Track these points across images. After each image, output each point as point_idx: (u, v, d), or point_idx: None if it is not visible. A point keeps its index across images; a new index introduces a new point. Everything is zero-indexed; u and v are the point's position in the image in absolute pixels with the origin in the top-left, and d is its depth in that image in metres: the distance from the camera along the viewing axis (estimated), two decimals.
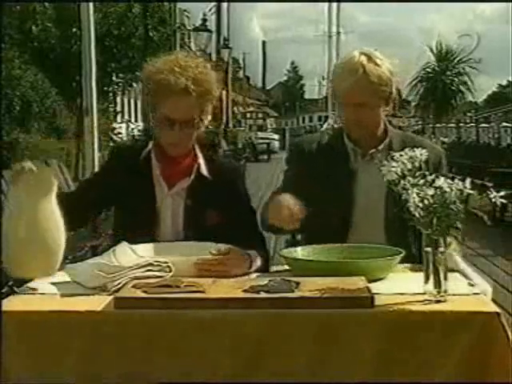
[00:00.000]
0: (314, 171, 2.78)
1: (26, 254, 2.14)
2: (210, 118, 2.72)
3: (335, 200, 2.72)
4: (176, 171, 2.73)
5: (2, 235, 2.16)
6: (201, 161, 2.75)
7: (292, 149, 3.01)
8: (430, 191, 2.03)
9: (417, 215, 2.03)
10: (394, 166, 2.11)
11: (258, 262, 2.51)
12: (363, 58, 2.74)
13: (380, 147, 2.79)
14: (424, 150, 2.15)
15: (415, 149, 2.16)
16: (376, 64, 2.74)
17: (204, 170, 2.74)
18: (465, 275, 2.37)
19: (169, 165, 2.73)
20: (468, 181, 2.04)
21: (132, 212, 2.69)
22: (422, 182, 2.06)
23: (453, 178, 2.06)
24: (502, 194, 2.02)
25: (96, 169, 10.57)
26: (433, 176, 2.07)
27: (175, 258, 2.32)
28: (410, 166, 2.11)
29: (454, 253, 2.43)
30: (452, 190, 2.02)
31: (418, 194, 2.03)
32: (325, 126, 48.76)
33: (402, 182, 2.08)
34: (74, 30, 13.82)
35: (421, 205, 2.02)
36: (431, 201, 2.02)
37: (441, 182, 2.04)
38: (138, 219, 2.66)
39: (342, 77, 2.76)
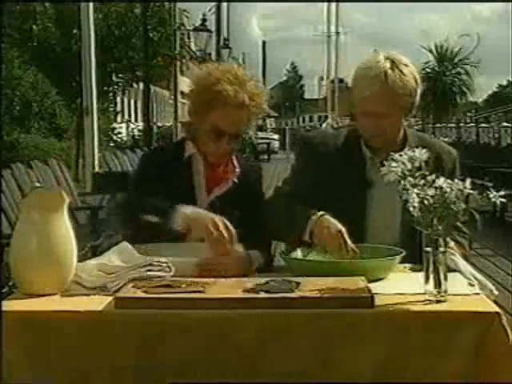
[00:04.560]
0: (328, 176, 2.62)
1: (37, 270, 2.14)
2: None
3: (348, 212, 2.53)
4: (216, 177, 2.71)
5: (12, 251, 2.16)
6: (237, 167, 2.73)
7: (304, 144, 2.81)
8: (430, 191, 2.02)
9: (415, 215, 2.03)
10: (394, 166, 2.11)
11: (258, 263, 2.51)
12: (388, 65, 2.54)
13: None
14: (424, 150, 2.13)
15: (415, 149, 2.14)
16: (401, 72, 2.54)
17: (235, 176, 2.72)
18: (474, 278, 2.28)
19: (210, 170, 2.71)
20: (468, 181, 2.03)
21: None
22: (422, 182, 2.06)
23: (453, 179, 2.06)
24: (502, 193, 2.02)
25: (96, 169, 10.59)
26: (433, 176, 2.06)
27: (175, 259, 2.32)
28: (409, 166, 2.10)
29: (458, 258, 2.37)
30: (452, 190, 2.02)
31: (418, 194, 2.03)
32: (324, 125, 48.77)
33: (403, 182, 2.08)
34: (74, 30, 13.84)
35: (421, 205, 2.02)
36: (431, 201, 2.02)
37: (441, 182, 2.04)
38: None
39: (363, 84, 2.57)
